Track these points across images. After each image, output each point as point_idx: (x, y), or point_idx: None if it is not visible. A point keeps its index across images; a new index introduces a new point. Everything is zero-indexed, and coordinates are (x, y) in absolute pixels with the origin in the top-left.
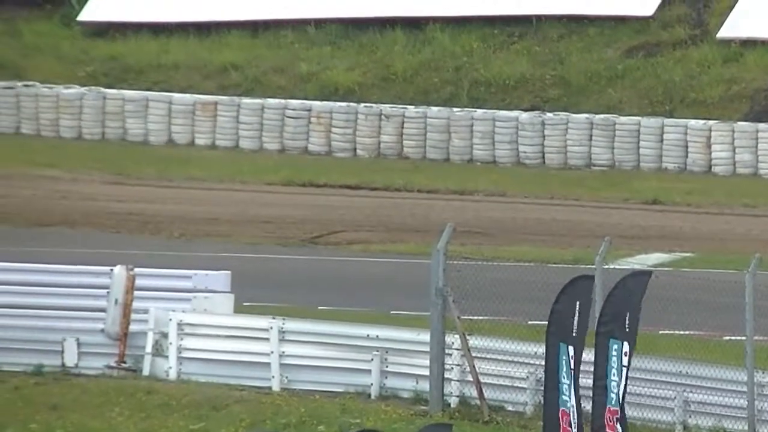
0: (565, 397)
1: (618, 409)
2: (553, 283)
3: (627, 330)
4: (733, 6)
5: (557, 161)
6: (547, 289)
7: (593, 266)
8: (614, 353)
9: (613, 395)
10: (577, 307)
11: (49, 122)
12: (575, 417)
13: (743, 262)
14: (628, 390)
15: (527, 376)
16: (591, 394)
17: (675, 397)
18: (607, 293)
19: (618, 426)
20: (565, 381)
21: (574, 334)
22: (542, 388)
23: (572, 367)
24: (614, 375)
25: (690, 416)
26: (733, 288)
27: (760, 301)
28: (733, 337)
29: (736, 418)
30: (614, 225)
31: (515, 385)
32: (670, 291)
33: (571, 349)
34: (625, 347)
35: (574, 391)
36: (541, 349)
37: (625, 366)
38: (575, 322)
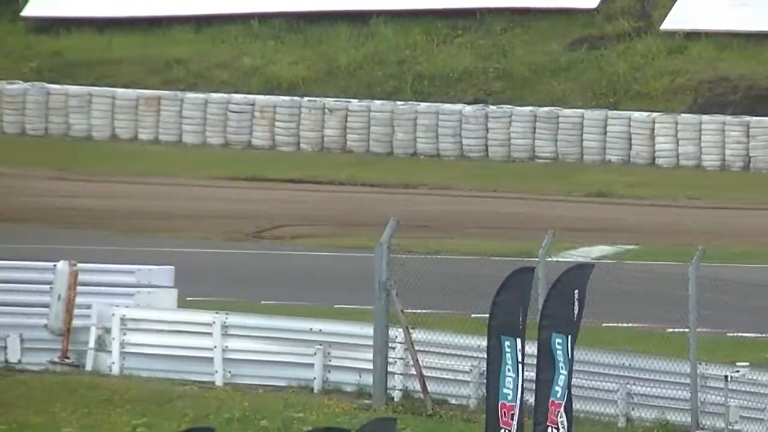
0: (506, 390)
1: (562, 402)
2: (498, 276)
3: (571, 323)
4: None
5: (501, 154)
6: (492, 282)
7: (537, 259)
8: (558, 347)
9: (558, 389)
10: (520, 299)
11: None
12: (517, 410)
13: (687, 255)
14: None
15: (471, 370)
16: (533, 388)
17: (618, 390)
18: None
19: (560, 419)
20: (510, 374)
21: (520, 327)
22: (485, 381)
23: (519, 360)
24: (562, 369)
25: (633, 408)
26: (676, 280)
27: (703, 294)
28: (676, 330)
29: (680, 410)
30: (558, 218)
31: (459, 378)
32: (614, 284)
33: (518, 341)
34: (569, 340)
35: (520, 384)
36: (485, 343)
37: (570, 360)
38: (520, 315)
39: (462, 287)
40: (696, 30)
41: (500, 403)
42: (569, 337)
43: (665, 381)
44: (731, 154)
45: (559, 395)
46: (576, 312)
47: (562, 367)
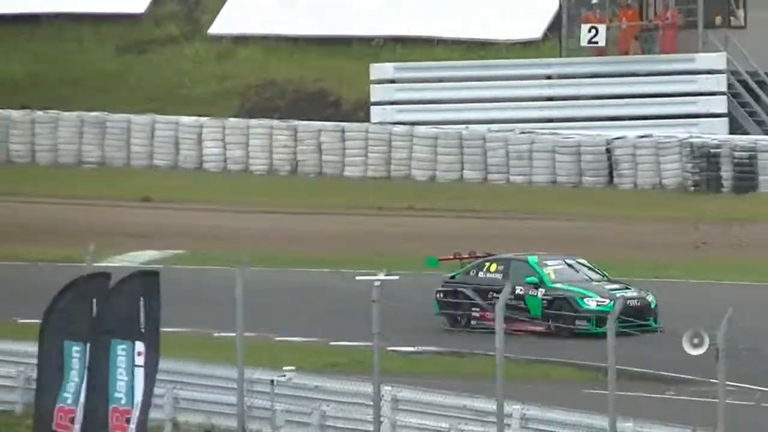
0: (66, 394)
1: (130, 408)
2: (45, 282)
3: (142, 330)
4: (225, 2)
5: (48, 159)
6: (40, 287)
7: (84, 264)
8: (121, 353)
9: (120, 395)
10: (94, 304)
11: None
12: (79, 413)
13: (235, 259)
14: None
15: (17, 375)
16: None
17: (165, 394)
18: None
19: (131, 426)
20: (75, 379)
21: (86, 332)
22: (33, 387)
23: (86, 365)
24: (122, 375)
25: (180, 413)
26: (224, 284)
27: (251, 298)
28: (224, 334)
29: (226, 415)
30: (107, 223)
31: (5, 384)
32: (162, 288)
33: (83, 346)
34: (139, 347)
35: (86, 388)
36: (34, 348)
37: (140, 366)
38: (89, 320)
39: (9, 293)
40: (244, 34)
41: (58, 407)
42: (137, 343)
43: (212, 386)
44: (279, 158)
45: (123, 402)
46: (143, 319)
47: (124, 374)
